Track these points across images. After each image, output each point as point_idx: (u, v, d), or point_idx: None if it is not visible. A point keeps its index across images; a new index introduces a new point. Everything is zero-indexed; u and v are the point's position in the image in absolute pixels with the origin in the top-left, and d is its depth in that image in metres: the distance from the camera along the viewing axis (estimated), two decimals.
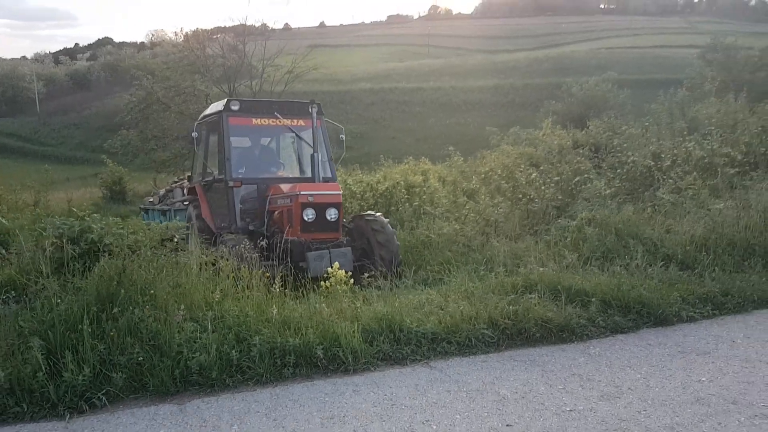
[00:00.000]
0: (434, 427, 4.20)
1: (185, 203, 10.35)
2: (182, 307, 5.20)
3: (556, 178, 11.76)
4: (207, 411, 4.46)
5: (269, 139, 10.22)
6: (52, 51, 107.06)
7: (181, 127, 27.83)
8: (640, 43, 79.29)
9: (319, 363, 5.11)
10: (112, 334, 4.86)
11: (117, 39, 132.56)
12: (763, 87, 30.12)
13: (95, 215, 6.57)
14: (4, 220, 7.29)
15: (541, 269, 6.98)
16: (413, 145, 38.87)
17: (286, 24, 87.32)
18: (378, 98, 62.02)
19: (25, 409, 4.35)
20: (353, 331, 5.34)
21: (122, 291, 5.22)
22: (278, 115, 9.38)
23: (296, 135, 9.72)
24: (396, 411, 4.43)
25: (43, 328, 4.84)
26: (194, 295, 5.54)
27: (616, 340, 5.92)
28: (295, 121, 9.53)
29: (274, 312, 5.42)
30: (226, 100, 9.70)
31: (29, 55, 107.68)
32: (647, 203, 9.87)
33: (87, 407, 4.44)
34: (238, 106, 9.37)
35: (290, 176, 9.65)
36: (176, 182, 13.40)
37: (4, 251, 6.50)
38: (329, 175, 9.47)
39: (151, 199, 13.68)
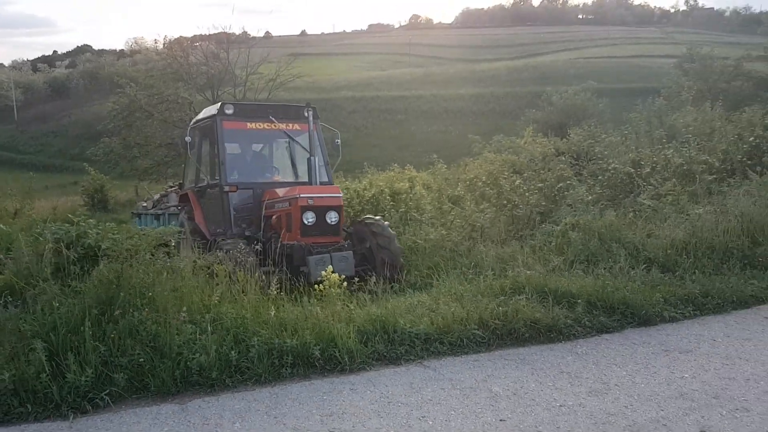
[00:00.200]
0: (430, 422, 4.34)
1: (179, 208, 10.25)
2: (184, 309, 5.30)
3: (540, 185, 11.92)
4: (208, 410, 4.56)
5: (263, 144, 10.10)
6: (30, 58, 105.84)
7: (165, 134, 27.84)
8: (618, 53, 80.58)
9: (316, 363, 5.23)
10: (112, 336, 4.94)
11: (96, 46, 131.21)
12: (738, 96, 30.89)
13: (90, 221, 6.64)
14: (2, 226, 7.30)
15: (528, 272, 7.14)
16: (396, 153, 38.96)
17: (267, 32, 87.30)
18: (360, 106, 62.26)
19: (30, 410, 4.41)
20: (349, 332, 5.48)
21: (121, 294, 5.29)
22: (273, 119, 9.24)
23: (291, 139, 9.55)
24: (393, 408, 4.57)
25: (44, 331, 4.90)
26: (192, 298, 5.63)
27: (601, 339, 6.11)
28: (290, 124, 9.41)
29: (272, 314, 5.53)
30: (220, 103, 9.52)
31: (7, 63, 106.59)
32: (628, 209, 10.07)
33: (90, 407, 4.50)
34: (232, 110, 9.20)
35: (286, 181, 9.51)
36: (171, 187, 13.38)
37: (2, 256, 6.53)
38: (326, 179, 9.28)
39: (145, 204, 13.67)
